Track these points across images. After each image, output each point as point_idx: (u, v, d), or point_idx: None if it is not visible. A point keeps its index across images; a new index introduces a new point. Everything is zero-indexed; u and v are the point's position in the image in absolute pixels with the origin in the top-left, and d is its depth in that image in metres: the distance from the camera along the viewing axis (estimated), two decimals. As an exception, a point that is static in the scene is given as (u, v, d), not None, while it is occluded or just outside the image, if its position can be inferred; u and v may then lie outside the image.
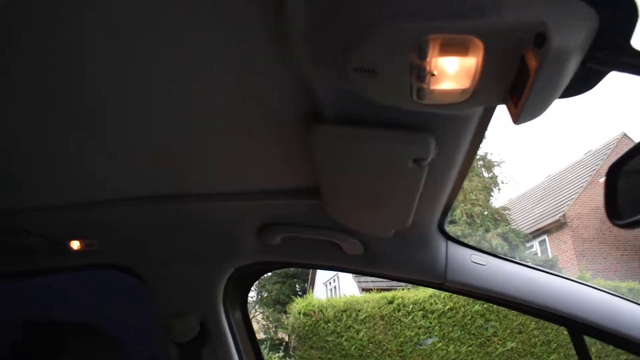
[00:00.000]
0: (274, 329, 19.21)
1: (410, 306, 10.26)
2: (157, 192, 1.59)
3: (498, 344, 9.98)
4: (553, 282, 1.68)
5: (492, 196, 19.09)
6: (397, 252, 1.73)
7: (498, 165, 19.53)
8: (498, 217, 17.92)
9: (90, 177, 1.50)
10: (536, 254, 19.36)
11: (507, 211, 18.92)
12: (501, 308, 9.50)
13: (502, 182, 20.57)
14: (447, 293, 9.22)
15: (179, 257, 1.86)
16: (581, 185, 19.86)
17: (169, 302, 1.88)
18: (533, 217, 21.07)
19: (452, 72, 0.82)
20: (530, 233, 19.44)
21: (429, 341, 9.93)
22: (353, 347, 10.05)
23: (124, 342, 1.80)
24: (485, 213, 17.65)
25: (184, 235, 1.79)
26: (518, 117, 0.84)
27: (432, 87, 0.85)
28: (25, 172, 1.45)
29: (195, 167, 1.42)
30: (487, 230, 16.94)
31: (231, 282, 1.91)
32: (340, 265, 1.86)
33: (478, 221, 17.06)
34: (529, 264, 1.76)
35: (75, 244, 1.81)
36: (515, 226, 18.73)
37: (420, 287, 10.55)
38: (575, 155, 41.40)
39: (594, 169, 20.01)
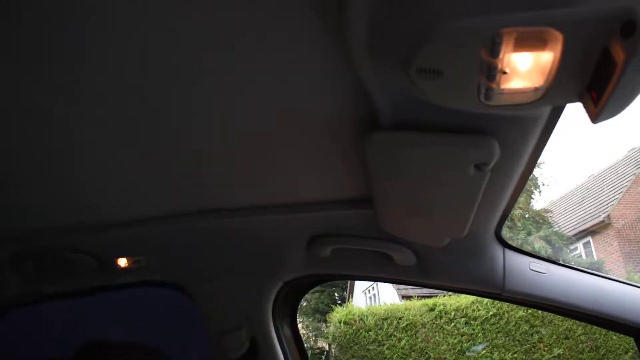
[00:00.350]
0: (314, 339, 19.15)
1: (452, 313, 10.09)
2: (203, 207, 1.59)
3: (544, 350, 9.71)
4: (616, 289, 1.60)
5: (533, 198, 18.69)
6: (451, 262, 1.67)
7: (538, 166, 19.13)
8: (540, 220, 17.52)
9: (136, 194, 1.51)
10: (580, 256, 18.85)
11: (548, 213, 18.48)
12: (546, 313, 9.26)
13: (543, 184, 20.13)
14: (489, 299, 9.06)
15: (227, 271, 1.85)
16: (625, 184, 19.23)
17: (218, 317, 1.87)
18: (576, 219, 20.52)
19: (525, 69, 0.77)
20: (574, 235, 18.94)
21: (479, 347, 9.71)
22: (395, 356, 9.93)
23: (176, 359, 1.80)
24: (527, 216, 17.29)
25: (232, 249, 1.78)
26: (598, 114, 0.77)
27: (502, 87, 0.80)
28: (75, 191, 1.47)
29: (245, 181, 1.41)
30: (529, 234, 16.58)
31: (280, 296, 1.89)
32: (391, 276, 1.82)
33: (519, 224, 16.72)
34: (590, 270, 1.66)
35: (123, 262, 1.83)
36: (557, 228, 18.28)
37: (458, 292, 10.39)
38: (618, 153, 40.19)
39: (639, 167, 19.38)
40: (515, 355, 9.73)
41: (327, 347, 15.02)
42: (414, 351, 9.95)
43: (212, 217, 1.62)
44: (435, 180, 1.17)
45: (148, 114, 1.08)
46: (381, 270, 1.80)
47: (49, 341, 2.39)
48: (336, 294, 21.39)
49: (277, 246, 1.75)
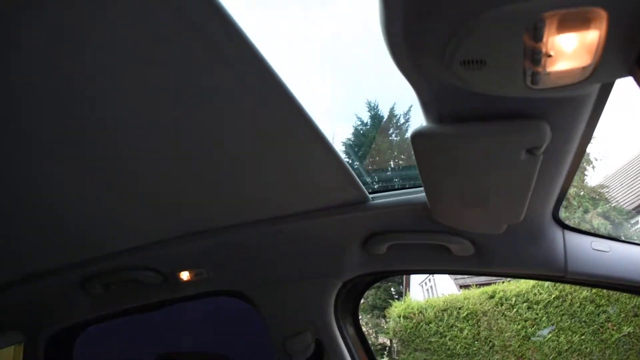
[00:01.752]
0: (374, 335, 19.09)
1: (513, 299, 9.88)
2: (259, 216, 1.63)
3: (613, 330, 9.38)
4: None
5: (587, 175, 18.09)
6: (510, 249, 1.65)
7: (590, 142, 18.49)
8: (596, 196, 16.95)
9: (193, 210, 1.57)
10: (643, 229, 18.14)
11: (605, 189, 17.86)
12: (612, 292, 8.97)
13: (596, 159, 19.47)
14: (551, 282, 8.83)
15: (287, 276, 1.88)
16: (683, 151, 18.38)
17: (281, 322, 1.90)
18: (634, 192, 19.76)
19: (570, 49, 0.76)
20: (634, 209, 18.23)
21: (545, 332, 9.48)
22: (458, 346, 9.82)
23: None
24: (582, 193, 16.76)
25: (290, 254, 1.81)
26: None
27: (548, 70, 0.79)
28: (133, 213, 1.54)
29: (299, 187, 1.45)
30: (586, 211, 16.07)
31: (341, 296, 1.90)
32: (449, 267, 1.81)
33: (575, 203, 16.22)
34: None
35: (185, 275, 1.89)
36: (615, 204, 17.64)
37: (520, 278, 10.19)
38: (672, 120, 38.44)
39: (697, 133, 18.49)
40: (583, 337, 9.44)
41: (388, 343, 14.97)
42: (477, 340, 9.80)
43: (269, 224, 1.66)
44: (487, 168, 1.17)
45: (202, 140, 1.13)
46: (439, 263, 1.80)
47: (124, 357, 2.49)
48: (392, 289, 21.28)
49: (334, 247, 1.77)
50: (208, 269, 1.88)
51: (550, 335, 9.50)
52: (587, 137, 1.14)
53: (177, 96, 1.00)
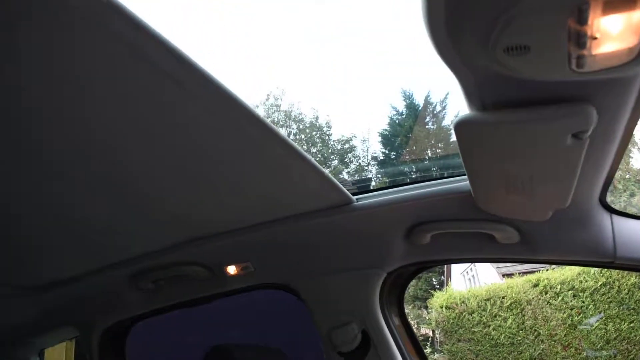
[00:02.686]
0: (416, 326, 19.07)
1: (558, 287, 9.71)
2: (301, 210, 1.66)
3: (663, 316, 9.14)
4: None
5: (632, 158, 17.58)
6: (556, 235, 1.62)
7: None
8: (642, 178, 16.46)
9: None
10: (693, 212, 17.55)
11: (651, 172, 17.33)
12: (662, 277, 8.71)
13: (641, 141, 18.88)
14: (597, 268, 8.62)
15: (331, 268, 1.90)
16: None
17: (327, 314, 1.93)
18: (683, 173, 19.09)
19: (616, 31, 0.75)
20: (683, 191, 17.63)
21: (593, 320, 9.26)
22: (502, 336, 9.71)
23: (292, 357, 1.88)
24: (627, 177, 16.29)
25: (334, 246, 1.83)
26: None
27: (593, 52, 0.78)
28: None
29: (285, 194, 1.49)
30: (632, 195, 15.63)
31: (385, 286, 1.91)
32: (495, 255, 1.80)
33: (620, 186, 15.79)
34: None
35: (232, 269, 1.93)
36: (664, 185, 17.10)
37: (567, 265, 9.98)
38: None
39: None
40: (632, 324, 9.20)
41: (430, 333, 14.92)
42: (521, 330, 9.67)
43: (312, 217, 1.69)
44: (532, 155, 1.16)
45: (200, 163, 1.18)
46: (483, 251, 1.79)
47: (175, 351, 2.57)
48: (434, 279, 21.17)
49: (378, 238, 1.78)
50: (254, 262, 1.92)
51: (598, 324, 9.30)
52: (633, 119, 1.11)
53: (161, 133, 1.14)
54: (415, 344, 2.02)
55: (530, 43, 0.78)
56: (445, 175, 1.71)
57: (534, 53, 0.80)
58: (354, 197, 1.74)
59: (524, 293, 9.88)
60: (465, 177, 1.51)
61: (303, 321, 2.02)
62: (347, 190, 1.64)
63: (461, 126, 1.09)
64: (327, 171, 1.50)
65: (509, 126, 1.07)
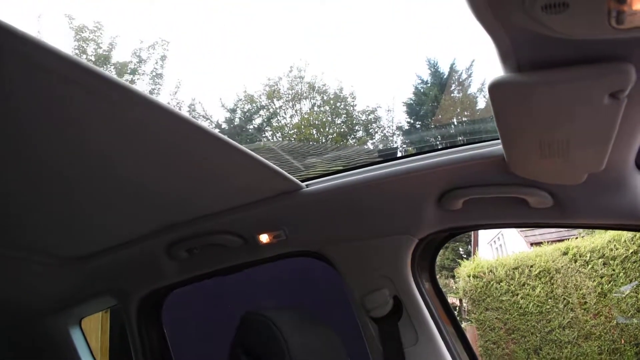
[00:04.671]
0: (443, 295, 19.09)
1: (588, 255, 9.59)
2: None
3: (698, 284, 8.98)
4: None
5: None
6: (590, 199, 1.60)
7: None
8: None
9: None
10: None
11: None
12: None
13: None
14: (628, 236, 8.49)
15: (363, 234, 1.91)
16: None
17: (359, 280, 1.95)
18: None
19: None
20: None
21: (627, 288, 9.14)
22: (531, 305, 9.67)
23: (326, 322, 1.91)
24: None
25: (365, 212, 1.84)
26: None
27: (634, 8, 0.77)
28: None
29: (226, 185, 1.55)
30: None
31: (417, 252, 1.92)
32: (527, 220, 1.79)
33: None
34: None
35: (265, 238, 1.96)
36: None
37: (597, 232, 9.85)
38: None
39: None
40: (664, 292, 9.09)
41: (457, 303, 14.96)
42: (550, 298, 9.62)
43: (341, 178, 1.70)
44: (568, 116, 1.15)
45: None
46: (516, 216, 1.78)
47: (210, 318, 2.63)
48: (461, 249, 21.13)
49: (409, 204, 1.79)
50: (286, 230, 1.94)
51: (628, 292, 9.19)
52: None
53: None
54: (447, 310, 2.04)
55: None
56: (477, 139, 1.69)
57: (572, 9, 0.79)
58: (303, 183, 1.83)
59: (553, 261, 9.79)
60: (497, 141, 1.50)
61: (335, 288, 2.05)
62: (373, 158, 1.64)
63: (496, 88, 1.08)
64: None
65: (545, 87, 1.05)
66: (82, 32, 23.02)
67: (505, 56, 1.00)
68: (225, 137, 1.40)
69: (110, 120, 1.19)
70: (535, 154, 1.36)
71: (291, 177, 1.73)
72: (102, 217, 1.81)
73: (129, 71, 24.02)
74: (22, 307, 2.38)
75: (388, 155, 1.89)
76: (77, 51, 22.90)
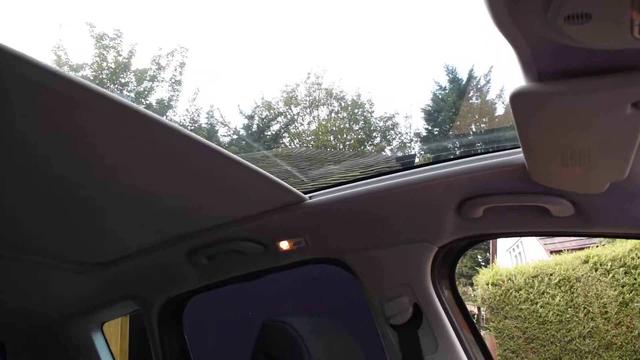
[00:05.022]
0: (461, 303, 18.93)
1: (609, 263, 9.46)
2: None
3: None
4: None
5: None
6: (613, 207, 1.59)
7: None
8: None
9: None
10: None
11: None
12: None
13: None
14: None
15: (383, 242, 1.92)
16: None
17: (379, 287, 1.95)
18: None
19: None
20: None
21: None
22: (550, 313, 9.55)
23: (346, 330, 1.92)
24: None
25: (385, 220, 1.85)
26: None
27: None
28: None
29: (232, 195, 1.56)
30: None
31: (437, 261, 1.92)
32: (548, 229, 1.78)
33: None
34: None
35: (285, 244, 1.98)
36: None
37: (618, 241, 9.71)
38: None
39: None
40: (686, 303, 8.92)
41: (475, 311, 14.84)
42: (570, 307, 9.49)
43: (362, 186, 1.70)
44: (590, 125, 1.15)
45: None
46: (537, 225, 1.77)
47: (230, 324, 2.65)
48: (479, 257, 20.98)
49: (429, 212, 1.79)
50: (306, 237, 1.96)
51: (650, 302, 9.04)
52: None
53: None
54: (467, 318, 2.03)
55: (592, 10, 0.77)
56: (496, 148, 1.69)
57: (595, 21, 0.79)
58: (323, 191, 1.86)
59: (573, 270, 9.67)
60: (518, 149, 1.49)
61: (354, 295, 2.06)
62: (388, 167, 1.65)
63: (517, 97, 1.09)
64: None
65: (567, 96, 1.06)
66: (103, 40, 23.35)
67: (526, 66, 1.00)
68: (238, 158, 1.46)
69: (129, 142, 1.27)
70: (556, 162, 1.35)
71: (306, 186, 1.74)
72: (123, 225, 1.84)
73: (148, 78, 24.29)
74: (47, 312, 2.42)
75: (407, 162, 1.88)
76: (97, 59, 23.25)
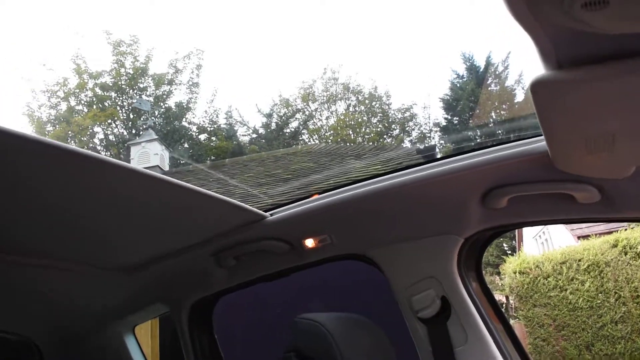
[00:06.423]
0: (488, 292, 18.78)
1: (639, 247, 9.30)
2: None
3: None
4: None
5: None
6: (639, 192, 1.57)
7: None
8: None
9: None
10: None
11: None
12: None
13: None
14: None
15: (408, 235, 1.92)
16: None
17: (405, 281, 1.95)
18: None
19: None
20: None
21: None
22: (580, 300, 9.43)
23: (374, 325, 1.92)
24: None
25: (409, 214, 1.85)
26: None
27: None
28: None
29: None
30: None
31: (463, 252, 1.91)
32: (574, 216, 1.76)
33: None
34: None
35: (310, 242, 1.99)
36: None
37: (647, 223, 9.54)
38: None
39: None
40: None
41: (504, 300, 14.72)
42: (600, 292, 9.36)
43: (386, 180, 1.71)
44: (612, 110, 1.14)
45: None
46: (562, 212, 1.75)
47: (259, 321, 2.67)
48: (505, 245, 20.79)
49: (453, 204, 1.78)
50: (331, 234, 1.97)
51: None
52: None
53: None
54: (495, 309, 2.02)
55: None
56: (519, 137, 1.68)
57: (612, 6, 0.78)
58: (267, 213, 1.92)
59: (602, 254, 9.53)
60: (540, 137, 1.48)
61: (381, 290, 2.06)
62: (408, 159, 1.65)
63: (538, 86, 1.08)
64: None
65: (588, 83, 1.05)
66: (120, 47, 23.68)
67: (545, 54, 1.00)
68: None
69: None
70: (580, 149, 1.34)
71: (328, 183, 1.75)
72: (153, 229, 1.88)
73: (166, 82, 24.56)
74: (82, 316, 2.47)
75: (428, 155, 1.88)
76: (115, 65, 23.56)
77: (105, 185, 1.51)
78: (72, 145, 1.38)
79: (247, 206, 1.87)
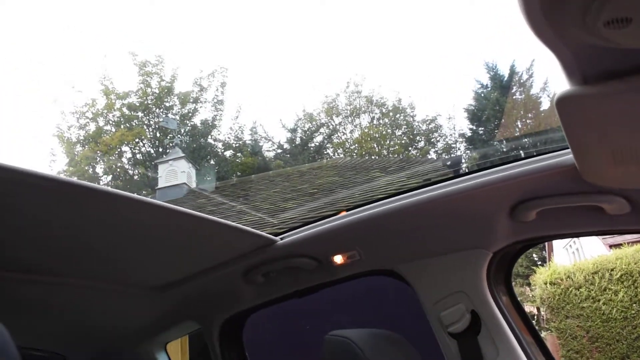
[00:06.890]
0: (519, 304, 18.45)
1: (673, 255, 9.06)
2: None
3: None
4: None
5: None
6: None
7: None
8: None
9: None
10: None
11: None
12: None
13: None
14: None
15: (437, 250, 1.93)
16: None
17: (435, 296, 1.95)
18: None
19: None
20: None
21: None
22: (614, 310, 9.19)
23: (405, 341, 1.92)
24: None
25: (438, 228, 1.86)
26: None
27: None
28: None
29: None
30: None
31: (492, 266, 1.91)
32: (605, 228, 1.75)
33: None
34: None
35: (339, 259, 2.01)
36: None
37: (682, 231, 9.28)
38: None
39: None
40: None
41: (535, 311, 14.45)
42: (635, 303, 9.11)
43: (414, 196, 1.72)
44: (639, 123, 1.14)
45: None
46: (592, 224, 1.74)
47: (290, 338, 2.69)
48: (534, 255, 20.43)
49: (482, 218, 1.79)
50: (360, 250, 1.98)
51: None
52: None
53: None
54: (526, 322, 2.00)
55: (632, 14, 0.78)
56: (545, 150, 1.68)
57: (636, 24, 0.79)
58: (294, 231, 1.96)
59: (635, 264, 9.29)
60: (567, 150, 1.48)
61: (410, 306, 2.06)
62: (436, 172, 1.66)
63: (563, 102, 1.09)
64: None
65: (614, 97, 1.06)
66: (145, 67, 24.11)
67: (570, 71, 1.01)
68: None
69: None
70: (607, 161, 1.34)
71: (356, 199, 1.77)
72: (182, 251, 1.93)
73: (191, 100, 24.91)
74: (115, 336, 2.52)
75: (456, 169, 1.89)
76: (142, 85, 23.99)
77: (136, 220, 1.62)
78: (109, 188, 1.51)
79: (270, 226, 1.90)
